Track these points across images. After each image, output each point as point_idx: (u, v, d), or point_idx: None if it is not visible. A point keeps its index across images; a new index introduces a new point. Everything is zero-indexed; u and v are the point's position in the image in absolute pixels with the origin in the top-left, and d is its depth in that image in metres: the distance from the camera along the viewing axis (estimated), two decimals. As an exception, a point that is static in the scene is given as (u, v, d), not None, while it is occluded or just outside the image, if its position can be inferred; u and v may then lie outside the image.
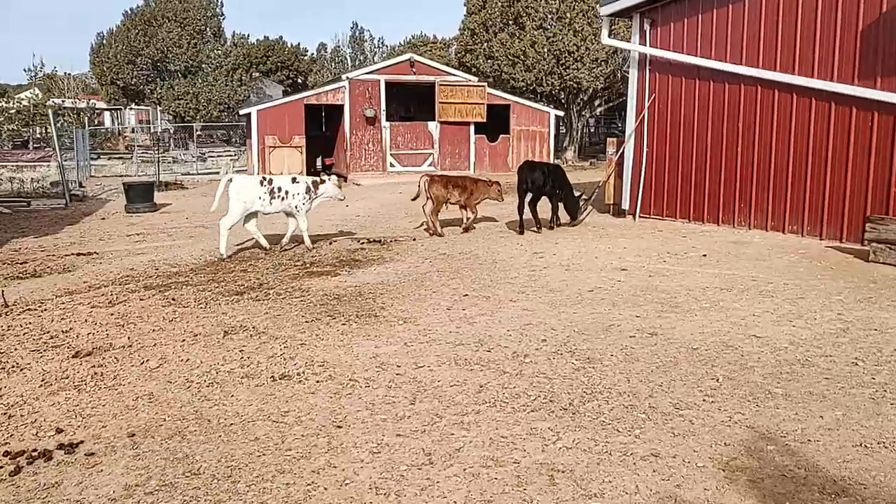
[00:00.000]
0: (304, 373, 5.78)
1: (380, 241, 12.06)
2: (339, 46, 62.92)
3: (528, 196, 12.23)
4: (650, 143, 12.97)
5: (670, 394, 5.12)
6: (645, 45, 12.84)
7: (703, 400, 5.00)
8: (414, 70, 24.47)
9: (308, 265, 10.24)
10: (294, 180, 11.47)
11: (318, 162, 27.86)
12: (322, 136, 27.52)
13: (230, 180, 11.09)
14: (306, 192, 11.40)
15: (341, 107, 24.18)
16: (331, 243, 12.17)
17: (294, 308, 7.78)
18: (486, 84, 25.38)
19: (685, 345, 6.17)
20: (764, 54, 10.96)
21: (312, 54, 57.16)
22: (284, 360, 6.09)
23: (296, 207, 11.38)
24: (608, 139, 14.44)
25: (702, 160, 12.03)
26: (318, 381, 5.59)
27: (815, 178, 10.40)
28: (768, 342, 6.19)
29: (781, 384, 5.25)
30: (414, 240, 12.22)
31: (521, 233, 12.09)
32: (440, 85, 24.56)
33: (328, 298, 8.18)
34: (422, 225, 13.29)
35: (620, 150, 13.94)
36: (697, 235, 11.29)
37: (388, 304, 7.85)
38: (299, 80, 50.13)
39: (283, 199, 11.18)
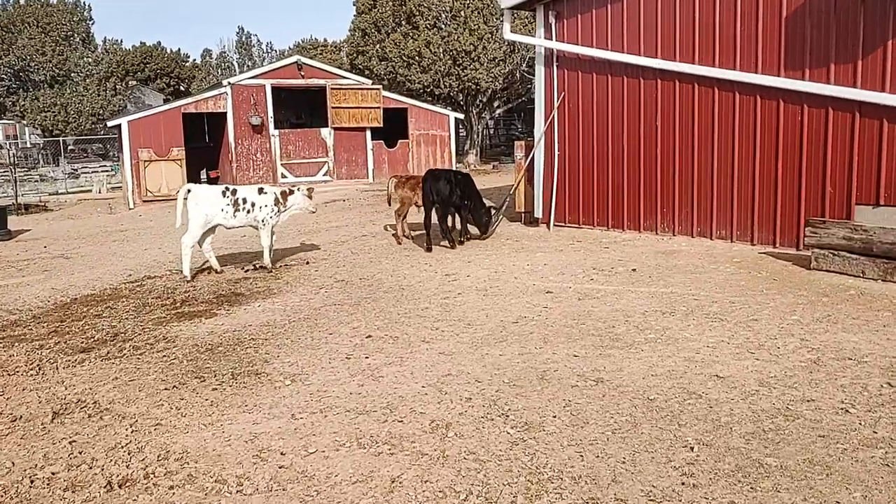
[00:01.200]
0: (154, 472, 4.29)
1: (267, 267, 10.52)
2: (225, 52, 60.12)
3: (434, 208, 10.99)
4: (562, 145, 11.98)
5: (638, 476, 3.94)
6: (551, 40, 11.85)
7: (683, 483, 3.85)
8: (303, 73, 22.85)
9: (179, 304, 8.62)
10: (261, 191, 10.38)
11: (203, 175, 25.76)
12: (205, 148, 25.45)
13: (188, 191, 10.02)
14: (274, 205, 10.31)
15: (224, 115, 22.27)
16: (209, 272, 10.53)
17: (154, 368, 6.21)
18: (381, 87, 24.03)
19: (639, 394, 5.04)
20: (681, 46, 10.13)
21: (195, 61, 54.19)
22: (129, 453, 4.57)
23: (262, 221, 10.26)
24: (516, 142, 13.40)
25: (619, 163, 11.12)
26: (171, 487, 4.11)
27: (743, 179, 9.62)
28: (735, 384, 5.14)
29: (771, 450, 4.17)
30: (307, 263, 10.76)
31: (429, 249, 10.83)
32: (332, 89, 23.04)
33: (199, 350, 6.64)
34: (306, 249, 11.85)
35: (530, 155, 12.91)
36: (620, 245, 10.33)
37: (273, 354, 6.40)
38: (182, 88, 47.24)
39: (248, 211, 10.14)
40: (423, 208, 11.31)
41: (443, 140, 24.81)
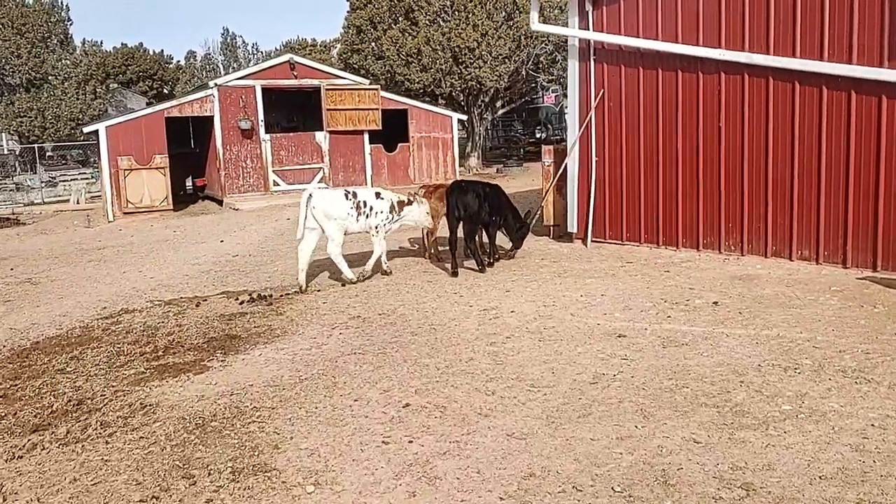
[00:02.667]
0: None
1: (267, 298, 8.95)
2: (209, 54, 58.37)
3: (461, 226, 9.45)
4: (601, 150, 10.47)
5: None
6: (587, 30, 10.33)
7: None
8: (295, 73, 21.24)
9: (161, 351, 7.04)
10: (378, 195, 9.68)
11: (189, 183, 24.11)
12: (191, 154, 23.78)
13: (310, 196, 9.35)
14: (389, 211, 9.60)
15: (211, 118, 20.62)
16: (198, 304, 8.95)
17: (126, 460, 4.65)
18: (379, 87, 22.45)
19: (819, 515, 3.52)
20: (752, 34, 8.65)
21: (179, 63, 52.37)
22: None
23: (375, 228, 9.52)
24: (544, 147, 11.88)
25: (671, 170, 9.61)
26: None
27: (833, 189, 8.13)
28: (950, 495, 3.63)
29: None
30: (318, 291, 9.19)
31: (455, 273, 9.28)
32: (327, 89, 21.44)
33: (186, 428, 5.08)
34: (331, 275, 10.28)
35: (562, 162, 11.38)
36: (682, 268, 8.81)
37: (284, 435, 4.85)
38: (166, 91, 45.45)
39: (367, 216, 9.45)
40: (447, 225, 9.77)
41: (445, 143, 23.25)
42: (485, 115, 27.42)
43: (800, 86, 8.28)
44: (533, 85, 27.42)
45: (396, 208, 9.67)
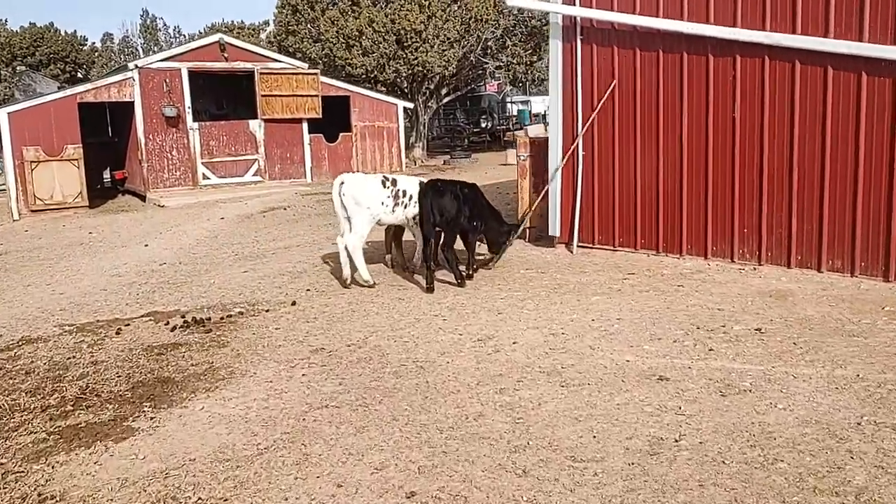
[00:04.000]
0: None
1: (205, 323, 7.38)
2: (128, 37, 55.03)
3: (435, 233, 8.06)
4: (589, 143, 9.22)
5: None
6: (573, 5, 9.04)
7: None
8: (226, 55, 19.33)
9: (70, 403, 5.45)
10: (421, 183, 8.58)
11: (106, 176, 21.88)
12: (109, 144, 21.55)
13: (342, 183, 8.45)
14: None
15: (131, 105, 18.55)
16: (119, 331, 7.31)
17: None
18: (318, 71, 20.73)
19: None
20: (773, 11, 7.51)
21: (95, 45, 48.98)
22: None
23: (414, 218, 8.47)
24: (518, 138, 10.57)
25: (674, 166, 8.44)
26: None
27: (873, 189, 7.07)
28: None
29: None
30: (265, 312, 7.66)
31: (431, 289, 7.89)
32: (261, 73, 19.60)
33: (102, 547, 3.57)
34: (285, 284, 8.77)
35: (540, 155, 10.10)
36: (696, 281, 7.64)
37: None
38: (80, 75, 42.26)
39: (405, 206, 8.41)
40: (420, 232, 8.37)
41: (391, 133, 21.71)
42: (430, 103, 25.98)
43: (833, 70, 7.18)
44: (480, 71, 26.12)
45: None
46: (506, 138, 32.97)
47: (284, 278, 9.27)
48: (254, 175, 19.89)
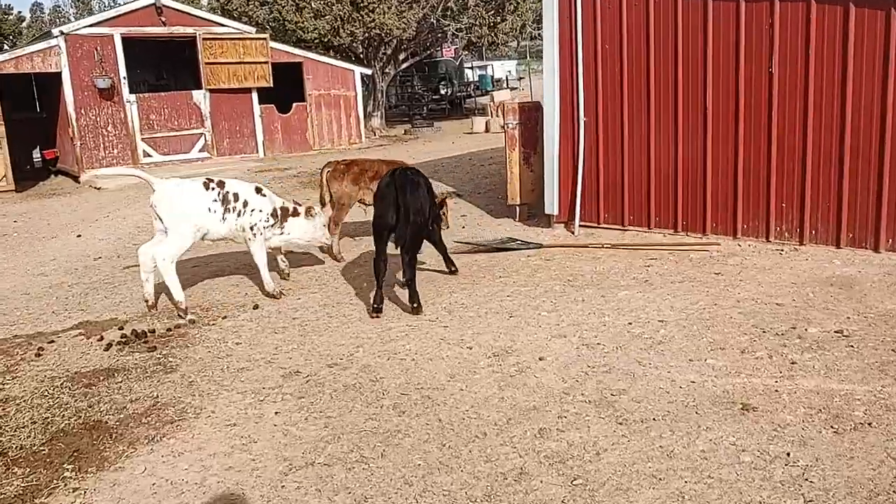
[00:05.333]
0: None
1: (147, 337, 6.01)
2: (59, 6, 51.73)
3: (392, 237, 6.35)
4: (592, 107, 8.00)
5: None
6: (571, -54, 7.74)
7: None
8: (163, 19, 17.48)
9: (-35, 472, 4.06)
10: (259, 191, 6.91)
11: (36, 155, 19.88)
12: (37, 120, 19.52)
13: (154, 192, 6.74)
14: (271, 215, 6.88)
15: (59, 75, 16.64)
16: (40, 350, 5.89)
17: None
18: (267, 36, 18.99)
19: None
20: (822, -57, 6.32)
21: (22, 15, 45.78)
22: None
23: (251, 229, 6.79)
24: (506, 104, 9.27)
25: (696, 132, 7.28)
26: None
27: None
28: None
29: None
30: (223, 318, 6.34)
31: (377, 310, 6.06)
32: (205, 39, 17.82)
33: None
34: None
35: (531, 122, 8.87)
36: (734, 267, 6.51)
37: None
38: (6, 47, 39.28)
39: (240, 213, 6.73)
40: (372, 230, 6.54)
41: (348, 102, 20.13)
42: (387, 70, 24.38)
43: (896, 14, 6.05)
44: (440, 35, 24.58)
45: (280, 215, 6.95)
46: (466, 105, 31.58)
47: (242, 273, 7.90)
48: (200, 151, 18.20)
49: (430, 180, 6.72)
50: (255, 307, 6.66)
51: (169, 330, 6.23)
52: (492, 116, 22.24)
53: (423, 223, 6.17)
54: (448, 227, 7.17)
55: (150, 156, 17.56)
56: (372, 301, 6.13)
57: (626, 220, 7.97)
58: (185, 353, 5.63)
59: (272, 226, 6.93)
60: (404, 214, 5.96)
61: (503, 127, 9.14)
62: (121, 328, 6.37)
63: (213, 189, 6.72)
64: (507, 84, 32.21)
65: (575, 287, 6.27)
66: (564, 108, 8.21)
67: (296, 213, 7.04)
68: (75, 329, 6.48)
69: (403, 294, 6.44)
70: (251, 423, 4.35)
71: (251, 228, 6.81)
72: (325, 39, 21.60)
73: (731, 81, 6.97)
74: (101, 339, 6.13)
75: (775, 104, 6.73)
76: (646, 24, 7.46)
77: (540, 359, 4.84)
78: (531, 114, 9.03)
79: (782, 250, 6.83)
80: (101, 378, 5.25)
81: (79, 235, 10.67)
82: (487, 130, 21.83)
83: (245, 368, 5.21)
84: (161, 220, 6.77)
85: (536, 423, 4.01)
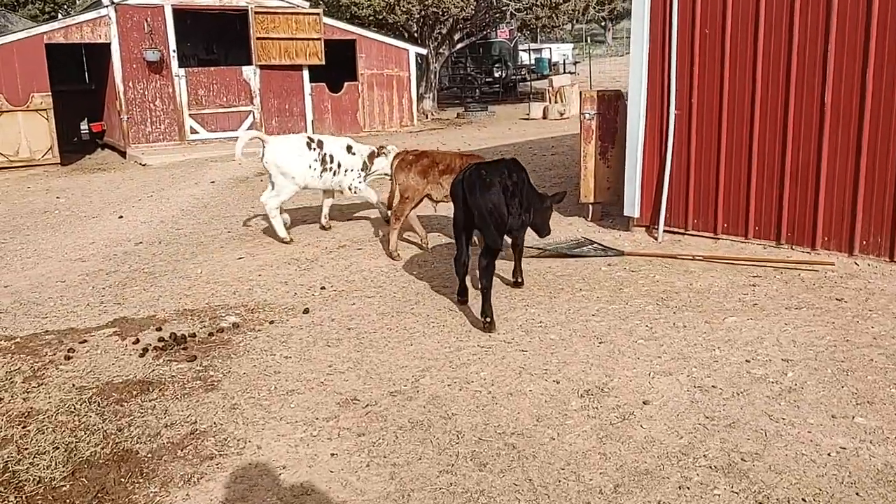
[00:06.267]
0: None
1: (187, 343, 5.41)
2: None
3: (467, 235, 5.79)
4: (685, 97, 7.12)
5: None
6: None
7: None
8: (216, -9, 16.91)
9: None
10: (349, 149, 8.32)
11: (84, 127, 19.59)
12: (84, 92, 19.17)
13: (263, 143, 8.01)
14: (361, 169, 8.31)
15: (108, 46, 16.19)
16: (70, 353, 5.33)
17: None
18: (320, 11, 18.31)
19: None
20: None
21: (77, -17, 45.72)
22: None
23: (350, 189, 8.37)
24: (583, 93, 8.41)
25: (809, 125, 6.38)
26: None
27: None
28: None
29: None
30: (270, 322, 5.69)
31: (463, 300, 5.79)
32: (256, 13, 17.20)
33: None
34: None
35: (610, 114, 8.03)
36: (858, 292, 5.61)
37: None
38: (60, 16, 39.28)
39: (335, 173, 8.15)
40: (454, 225, 6.07)
41: (401, 82, 19.38)
42: (441, 50, 23.54)
43: None
44: (498, 14, 23.60)
45: (367, 163, 8.34)
46: (520, 89, 30.59)
47: (291, 269, 7.25)
48: (249, 128, 17.63)
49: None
50: (306, 311, 6.00)
51: (211, 335, 5.61)
52: (550, 102, 21.26)
53: (499, 224, 5.50)
54: (549, 233, 6.44)
55: (196, 133, 17.07)
56: (457, 293, 5.92)
57: (718, 228, 7.09)
58: (228, 366, 4.98)
59: (364, 174, 8.31)
60: (479, 216, 5.43)
61: (581, 116, 8.29)
62: (159, 329, 5.78)
63: (314, 149, 7.95)
64: (564, 68, 31.07)
65: (671, 308, 5.44)
66: (652, 99, 7.34)
67: (378, 154, 8.36)
68: (110, 327, 5.91)
69: (475, 306, 5.71)
70: (304, 467, 3.67)
71: (349, 188, 8.25)
72: (380, 16, 20.84)
73: (857, 71, 6.03)
74: (137, 341, 5.54)
75: (911, 104, 5.79)
76: (755, 4, 6.53)
77: (644, 402, 4.05)
78: (611, 104, 8.17)
79: (913, 273, 5.91)
80: (135, 393, 4.64)
81: (120, 217, 10.15)
82: (545, 117, 20.89)
83: (295, 391, 4.53)
84: (270, 174, 8.03)
85: (652, 495, 3.25)
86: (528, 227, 6.23)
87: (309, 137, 8.20)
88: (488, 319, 5.30)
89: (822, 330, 4.85)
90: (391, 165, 7.54)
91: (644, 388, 4.22)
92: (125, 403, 4.51)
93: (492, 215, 5.46)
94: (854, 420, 3.74)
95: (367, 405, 4.28)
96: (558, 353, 4.79)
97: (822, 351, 4.54)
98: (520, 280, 6.23)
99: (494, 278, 5.95)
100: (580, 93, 8.51)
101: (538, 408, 4.10)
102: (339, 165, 8.09)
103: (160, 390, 4.66)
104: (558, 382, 4.37)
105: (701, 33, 6.90)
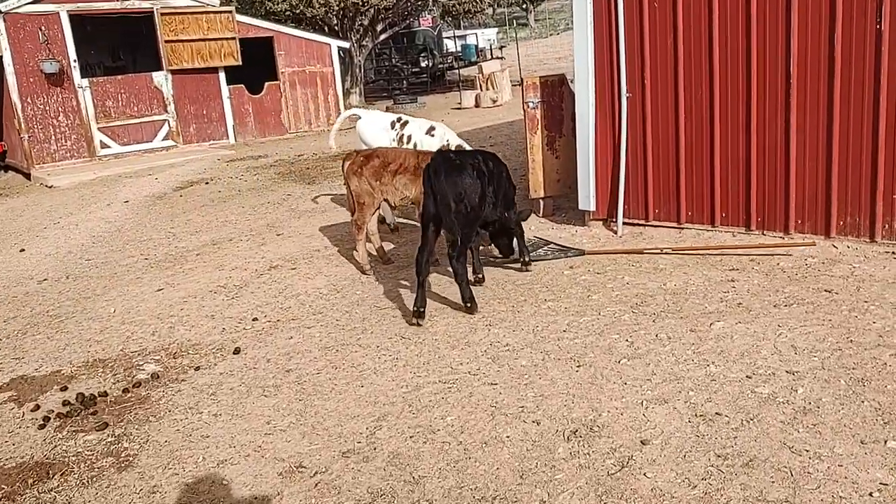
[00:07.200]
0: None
1: (97, 405, 4.62)
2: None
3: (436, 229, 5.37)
4: (636, 80, 6.58)
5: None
6: None
7: None
8: (116, -7, 15.67)
9: None
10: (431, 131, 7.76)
11: (-17, 150, 18.01)
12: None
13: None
14: None
15: (0, 60, 14.83)
16: None
17: None
18: (233, 9, 17.23)
19: None
20: None
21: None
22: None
23: None
24: (526, 80, 7.78)
25: (774, 103, 5.90)
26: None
27: None
28: None
29: None
30: (196, 368, 4.91)
31: (420, 315, 5.18)
32: (163, 14, 16.02)
33: None
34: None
35: (555, 100, 7.45)
36: (846, 280, 5.14)
37: None
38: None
39: None
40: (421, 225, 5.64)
41: (325, 78, 18.45)
42: (364, 42, 22.66)
43: None
44: (420, 1, 22.86)
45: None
46: (448, 78, 29.93)
47: (217, 299, 6.44)
48: (164, 139, 16.49)
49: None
50: (237, 351, 5.23)
51: (125, 391, 4.80)
52: (481, 90, 20.65)
53: (470, 212, 5.14)
54: (512, 255, 6.10)
55: (108, 147, 15.83)
56: (413, 304, 5.19)
57: (682, 217, 6.58)
58: (146, 433, 4.19)
59: None
60: (442, 204, 5.05)
61: (524, 105, 7.67)
62: (64, 388, 4.94)
63: (394, 129, 7.77)
64: (492, 54, 30.50)
65: (649, 316, 4.87)
66: (601, 82, 6.76)
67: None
68: (5, 390, 5.04)
69: (432, 327, 5.03)
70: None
71: None
72: (297, 11, 19.84)
73: (825, 41, 5.55)
74: (37, 407, 4.69)
75: (884, 66, 5.34)
76: (707, -28, 6.01)
77: (643, 442, 3.45)
78: (556, 89, 7.59)
79: (894, 252, 5.48)
80: (31, 481, 3.82)
81: (22, 250, 9.08)
82: (478, 105, 20.27)
83: (228, 461, 3.78)
84: None
85: (678, 574, 2.64)
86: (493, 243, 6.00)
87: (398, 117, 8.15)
88: (469, 303, 5.17)
89: (821, 330, 4.34)
90: (342, 168, 6.77)
91: (639, 421, 3.62)
92: (17, 498, 3.68)
93: (461, 202, 5.04)
94: (887, 445, 3.22)
95: (316, 473, 3.57)
96: (533, 383, 4.15)
97: (828, 357, 4.02)
98: (481, 276, 5.90)
99: (445, 301, 5.40)
100: (522, 79, 7.90)
101: (520, 459, 3.45)
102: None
103: (62, 474, 3.85)
104: (539, 423, 3.73)
105: (650, 5, 6.34)
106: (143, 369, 5.13)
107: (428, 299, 5.26)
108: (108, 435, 4.22)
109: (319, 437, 3.89)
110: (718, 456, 3.28)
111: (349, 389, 4.39)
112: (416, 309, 5.15)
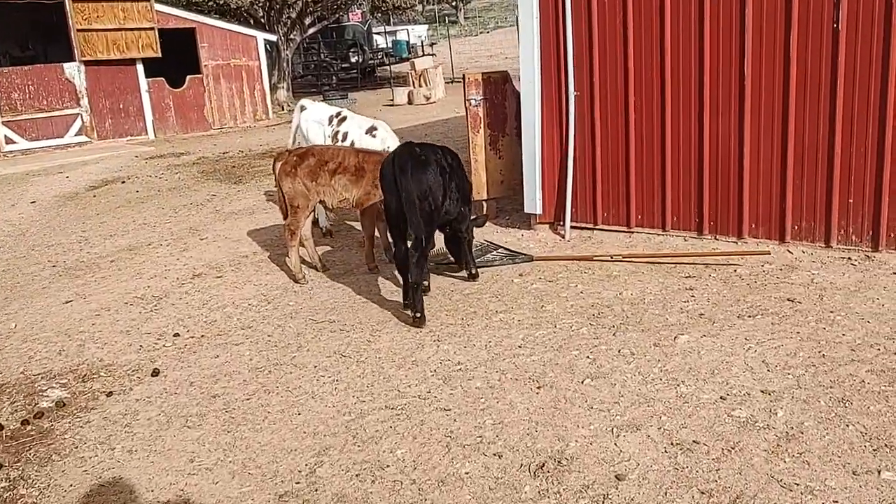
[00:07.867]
0: None
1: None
2: None
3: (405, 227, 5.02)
4: (585, 76, 6.29)
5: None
6: None
7: None
8: (21, -22, 14.59)
9: None
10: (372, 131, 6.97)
11: None
12: None
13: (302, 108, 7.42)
14: None
15: None
16: None
17: None
18: (151, -3, 16.30)
19: None
20: None
21: None
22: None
23: None
24: (468, 77, 7.39)
25: (728, 102, 5.70)
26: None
27: None
28: None
29: None
30: (108, 395, 4.36)
31: (418, 319, 4.83)
32: (75, 2, 15.00)
33: None
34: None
35: (497, 98, 7.12)
36: (807, 288, 4.93)
37: None
38: None
39: None
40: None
41: (251, 73, 17.68)
42: (292, 36, 21.90)
43: None
44: (349, -3, 22.27)
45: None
46: (379, 74, 29.38)
47: (134, 312, 5.84)
48: (77, 134, 15.47)
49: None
50: (155, 373, 4.68)
51: (26, 423, 4.21)
52: (414, 86, 20.22)
53: (433, 210, 4.89)
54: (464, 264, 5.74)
55: (14, 143, 14.75)
56: (412, 309, 4.91)
57: (632, 221, 6.32)
58: (49, 476, 3.63)
59: None
60: (406, 201, 4.73)
61: (466, 103, 7.29)
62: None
63: (331, 125, 7.09)
64: (423, 51, 30.09)
65: (608, 329, 4.56)
66: (548, 80, 6.45)
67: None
68: None
69: (376, 339, 4.61)
70: None
71: None
72: (221, 1, 18.98)
73: (780, 38, 5.37)
74: None
75: (841, 67, 5.19)
76: (659, -34, 5.76)
77: (618, 478, 3.11)
78: (499, 87, 7.24)
79: (851, 259, 5.34)
80: None
81: (-89, 257, 8.16)
82: (411, 102, 19.84)
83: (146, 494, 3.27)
84: None
85: None
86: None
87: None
88: (418, 315, 4.79)
89: (791, 344, 4.11)
90: (273, 168, 6.24)
91: (611, 452, 3.29)
92: None
93: (425, 199, 4.80)
94: (882, 476, 2.96)
95: (253, 526, 3.09)
96: (490, 408, 3.77)
97: (802, 374, 3.78)
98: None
99: (387, 312, 4.99)
100: (463, 76, 7.51)
101: (483, 501, 3.06)
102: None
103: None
104: (500, 456, 3.35)
105: (599, 4, 6.05)
106: (47, 396, 4.53)
107: (368, 311, 4.83)
108: (2, 479, 3.64)
109: (251, 477, 3.42)
110: (702, 492, 2.97)
111: (284, 418, 3.92)
112: (415, 315, 4.83)
